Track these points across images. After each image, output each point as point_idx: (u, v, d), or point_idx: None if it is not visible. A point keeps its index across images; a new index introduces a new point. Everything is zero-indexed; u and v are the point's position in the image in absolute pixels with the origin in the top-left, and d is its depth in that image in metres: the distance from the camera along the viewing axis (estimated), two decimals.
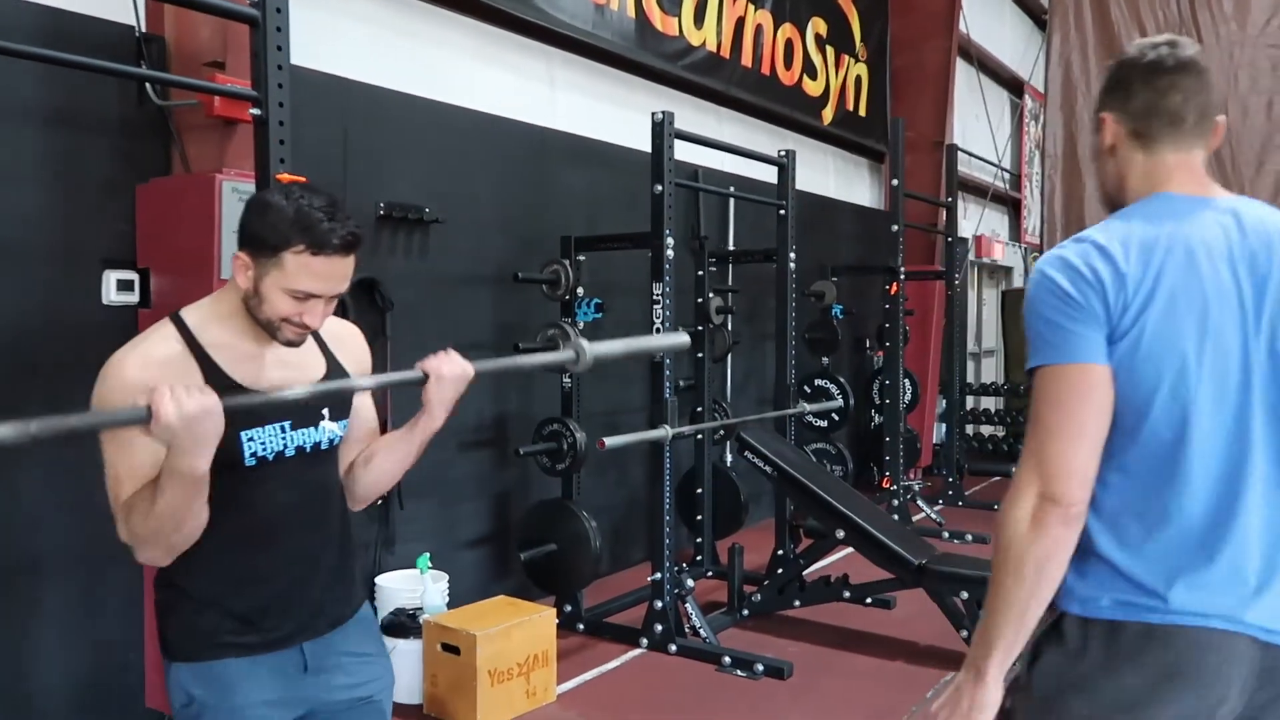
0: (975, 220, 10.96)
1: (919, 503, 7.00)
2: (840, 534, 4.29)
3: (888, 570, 4.20)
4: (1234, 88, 8.91)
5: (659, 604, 4.14)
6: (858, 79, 8.18)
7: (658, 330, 4.14)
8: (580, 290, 4.44)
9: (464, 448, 4.54)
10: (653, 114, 4.22)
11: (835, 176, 8.31)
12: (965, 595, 3.99)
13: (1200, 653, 1.38)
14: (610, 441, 3.72)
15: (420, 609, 3.62)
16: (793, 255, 5.10)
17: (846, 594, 4.38)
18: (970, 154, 10.78)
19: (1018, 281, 11.91)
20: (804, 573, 4.60)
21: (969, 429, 10.13)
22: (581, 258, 4.48)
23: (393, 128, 4.22)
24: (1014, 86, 11.58)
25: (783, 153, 5.14)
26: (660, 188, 4.15)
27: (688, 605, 4.19)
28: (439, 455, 4.40)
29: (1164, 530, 1.40)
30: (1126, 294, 1.39)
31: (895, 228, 6.56)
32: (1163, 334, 1.38)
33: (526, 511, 4.53)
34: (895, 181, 6.58)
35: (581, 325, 4.43)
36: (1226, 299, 1.39)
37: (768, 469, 4.46)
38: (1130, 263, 1.40)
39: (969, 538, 6.36)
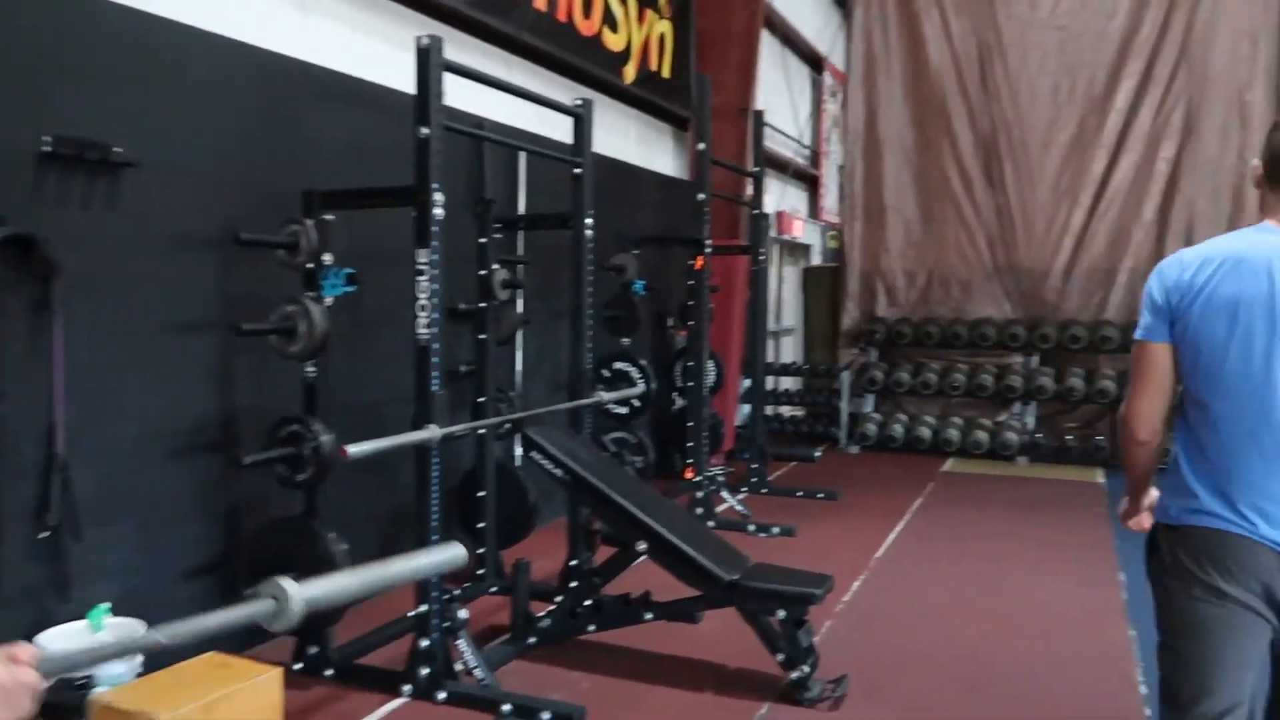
0: (776, 196, 10.74)
1: (723, 494, 6.58)
2: (642, 547, 3.69)
3: (696, 588, 3.65)
4: (1024, 68, 9.02)
5: (424, 642, 3.39)
6: (661, 37, 7.60)
7: (423, 315, 3.36)
8: (327, 257, 3.58)
9: (177, 455, 3.59)
10: (417, 39, 3.41)
11: (637, 142, 7.72)
12: (782, 614, 3.50)
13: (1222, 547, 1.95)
14: (355, 450, 2.93)
15: (92, 678, 2.71)
16: (590, 221, 4.44)
17: (649, 615, 3.79)
18: (773, 128, 10.54)
19: (816, 259, 11.84)
20: (606, 585, 3.98)
21: (769, 410, 9.93)
22: (330, 217, 3.62)
23: (67, 40, 3.20)
24: (814, 62, 11.40)
25: (579, 101, 4.45)
26: (426, 131, 3.36)
27: (460, 641, 3.46)
28: (138, 465, 3.44)
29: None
30: (1184, 294, 1.93)
31: (701, 196, 6.04)
32: (1201, 325, 1.91)
33: (256, 535, 3.64)
34: (702, 146, 6.05)
35: (329, 300, 3.58)
36: (1257, 303, 1.86)
37: (559, 473, 3.79)
38: (1193, 271, 1.93)
39: (776, 530, 5.98)
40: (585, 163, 4.42)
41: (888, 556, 5.60)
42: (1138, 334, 2.02)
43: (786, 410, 10.26)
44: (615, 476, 4.00)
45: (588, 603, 3.92)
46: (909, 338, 9.44)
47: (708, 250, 6.18)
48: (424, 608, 3.39)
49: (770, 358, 9.99)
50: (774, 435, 9.48)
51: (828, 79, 11.61)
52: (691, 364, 6.30)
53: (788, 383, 10.35)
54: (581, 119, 4.44)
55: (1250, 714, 1.96)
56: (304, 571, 3.33)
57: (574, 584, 4.03)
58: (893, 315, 9.71)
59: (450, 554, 1.48)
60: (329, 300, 3.58)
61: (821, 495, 7.07)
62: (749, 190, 7.67)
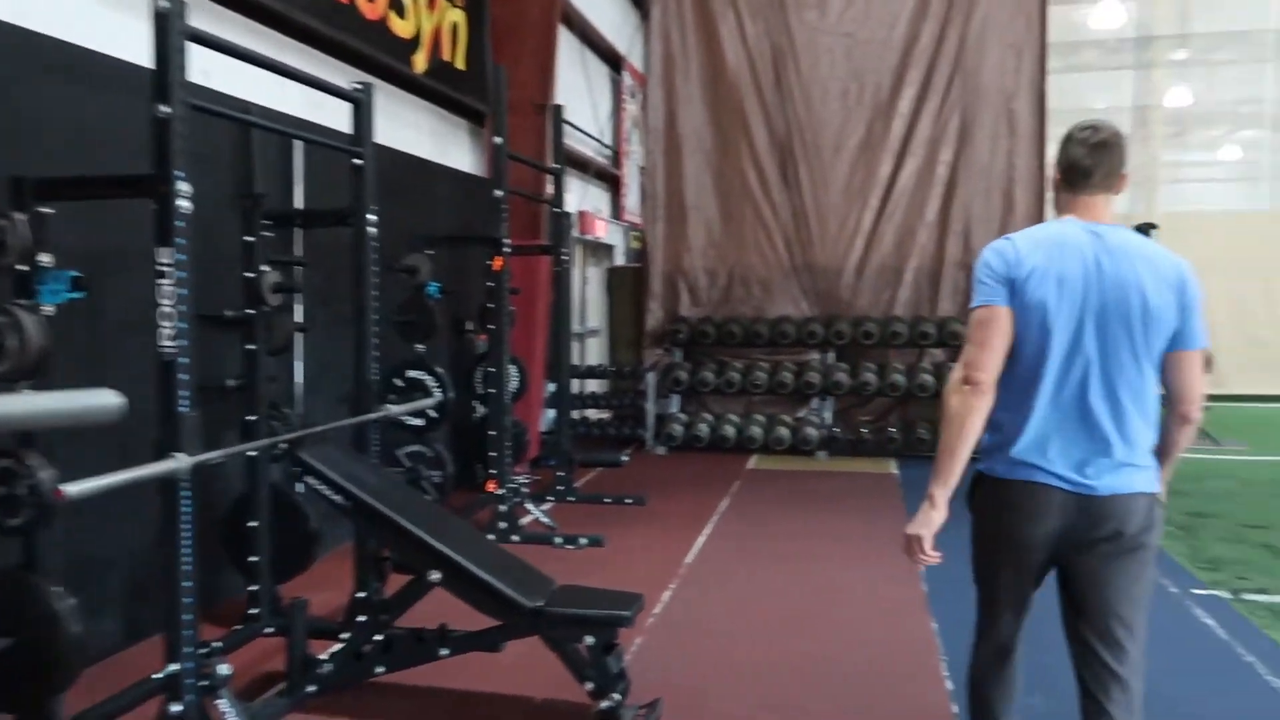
0: (578, 196, 10.56)
1: (528, 505, 6.28)
2: (435, 576, 3.35)
3: (496, 617, 3.34)
4: (815, 73, 9.25)
5: (176, 707, 2.90)
6: (454, 26, 7.21)
7: (167, 325, 2.88)
8: (45, 258, 3.01)
9: None
10: (154, 1, 2.92)
11: (430, 137, 7.29)
12: (590, 640, 3.25)
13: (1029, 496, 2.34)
14: (74, 489, 2.43)
15: None
16: (373, 217, 4.04)
17: (445, 651, 3.45)
18: (573, 126, 10.33)
19: (620, 260, 11.76)
20: (397, 620, 3.59)
21: (575, 414, 9.71)
22: (47, 209, 3.06)
23: None
24: (613, 62, 11.30)
25: (358, 85, 4.04)
26: (166, 109, 2.88)
27: (221, 701, 3.00)
28: None
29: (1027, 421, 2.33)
30: (1020, 268, 2.32)
31: (499, 193, 5.73)
32: (1035, 292, 2.30)
33: None
34: (498, 140, 5.74)
35: (50, 309, 3.01)
36: (1074, 276, 2.29)
37: (338, 498, 3.38)
38: (1024, 251, 2.34)
39: (583, 541, 5.75)
40: (366, 153, 4.01)
41: (697, 562, 5.49)
42: (981, 301, 2.33)
43: (593, 414, 10.10)
44: (403, 498, 3.63)
45: (376, 640, 3.54)
46: (712, 337, 9.48)
47: (507, 250, 5.88)
48: (175, 666, 2.91)
49: (575, 360, 9.80)
50: (581, 440, 9.30)
51: (627, 79, 11.55)
52: (492, 370, 5.98)
53: (593, 385, 10.18)
54: (361, 104, 4.03)
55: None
56: (23, 634, 2.80)
57: (361, 619, 3.63)
58: (696, 315, 9.73)
59: (96, 400, 1.13)
60: (49, 309, 3.01)
61: (630, 500, 6.92)
62: (549, 189, 7.41)
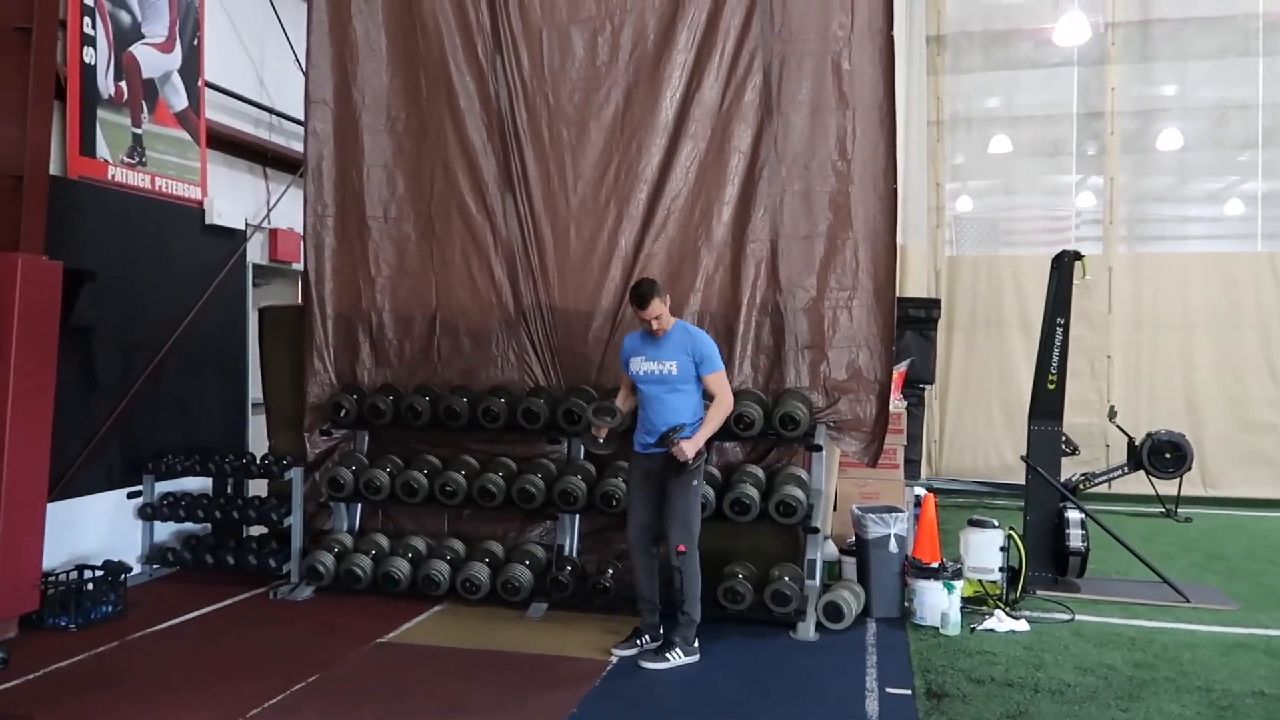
0: (260, 201, 7.38)
1: None
2: None
3: None
4: (550, 12, 6.07)
5: None
6: None
7: None
8: None
9: None
10: None
11: None
12: None
13: None
14: None
15: None
16: None
17: None
18: (274, 114, 7.30)
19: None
20: None
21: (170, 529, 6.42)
22: None
23: None
24: None
25: None
26: None
27: None
28: None
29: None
30: None
31: None
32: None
33: None
34: None
35: None
36: None
37: None
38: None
39: None
40: None
41: None
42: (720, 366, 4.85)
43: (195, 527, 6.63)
44: None
45: None
46: (387, 416, 6.13)
47: None
48: None
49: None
50: (185, 576, 5.95)
51: None
52: None
53: (200, 485, 6.67)
54: None
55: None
56: None
57: None
58: (380, 380, 6.40)
59: None
60: None
61: None
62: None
